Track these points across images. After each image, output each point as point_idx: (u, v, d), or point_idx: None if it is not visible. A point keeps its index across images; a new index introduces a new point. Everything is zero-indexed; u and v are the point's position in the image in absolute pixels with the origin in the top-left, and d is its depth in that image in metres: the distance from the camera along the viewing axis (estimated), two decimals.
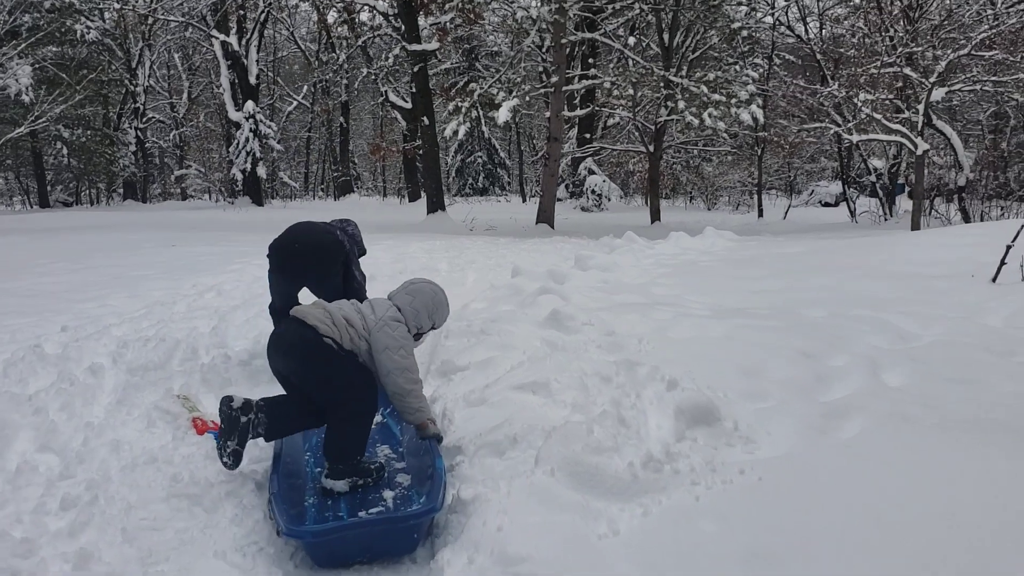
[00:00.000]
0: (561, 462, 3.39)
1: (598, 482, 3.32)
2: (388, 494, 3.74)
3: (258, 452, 4.10)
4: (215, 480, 3.72)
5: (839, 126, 19.03)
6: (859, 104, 16.58)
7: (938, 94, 15.59)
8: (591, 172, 32.47)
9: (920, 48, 18.32)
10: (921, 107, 15.71)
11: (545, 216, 20.44)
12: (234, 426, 3.68)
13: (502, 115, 18.71)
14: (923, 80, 16.08)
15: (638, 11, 21.86)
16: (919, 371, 4.44)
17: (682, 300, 6.97)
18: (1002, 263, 6.63)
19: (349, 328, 3.90)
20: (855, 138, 18.19)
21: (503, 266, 11.05)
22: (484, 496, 3.27)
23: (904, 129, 16.04)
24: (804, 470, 3.35)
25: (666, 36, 20.70)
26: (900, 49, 17.74)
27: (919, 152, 15.61)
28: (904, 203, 23.39)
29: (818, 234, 17.28)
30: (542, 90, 22.02)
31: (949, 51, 16.53)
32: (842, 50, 23.15)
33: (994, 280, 6.63)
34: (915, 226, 15.53)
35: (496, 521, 3.06)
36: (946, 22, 19.41)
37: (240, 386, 5.33)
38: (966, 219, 18.14)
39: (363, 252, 6.12)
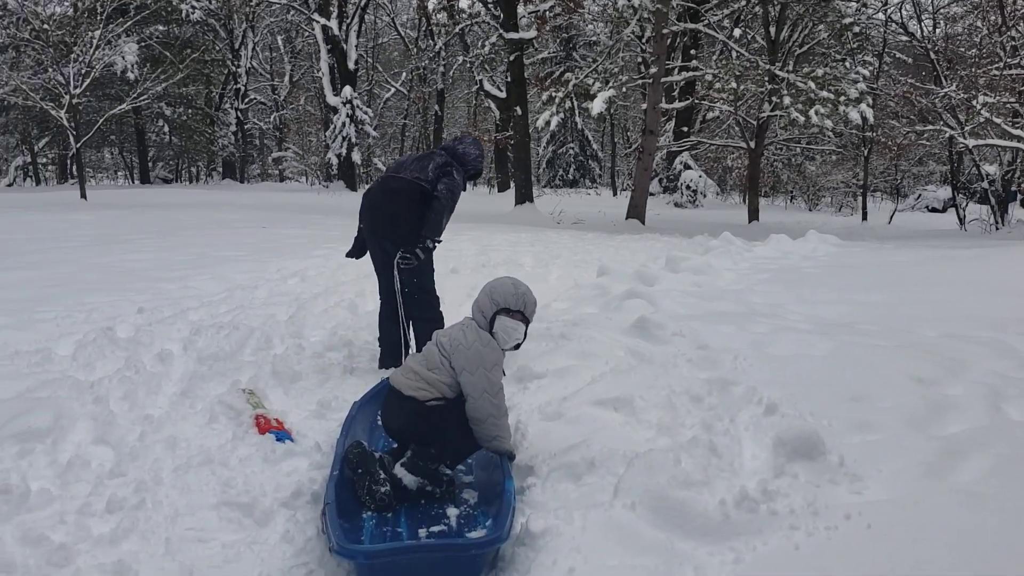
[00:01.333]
0: (643, 495, 3.05)
1: (685, 520, 2.96)
2: (452, 511, 3.47)
3: (320, 458, 3.86)
4: (269, 488, 3.48)
5: (953, 129, 18.11)
6: (978, 107, 15.69)
7: None
8: (687, 167, 31.70)
9: None
10: None
11: (636, 211, 19.96)
12: (370, 462, 3.47)
13: (597, 106, 18.33)
14: None
15: (744, 3, 21.22)
16: None
17: (782, 311, 6.52)
18: None
19: (440, 376, 3.71)
20: (970, 142, 17.26)
21: (589, 263, 10.66)
22: (556, 529, 2.95)
23: None
24: (918, 518, 2.94)
25: (773, 29, 20.02)
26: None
27: None
28: (1017, 212, 22.28)
29: (926, 242, 16.42)
30: (639, 81, 21.51)
31: None
32: (960, 49, 22.07)
33: None
34: None
35: (568, 561, 2.75)
36: None
37: (309, 380, 5.12)
38: None
39: (477, 173, 5.65)
